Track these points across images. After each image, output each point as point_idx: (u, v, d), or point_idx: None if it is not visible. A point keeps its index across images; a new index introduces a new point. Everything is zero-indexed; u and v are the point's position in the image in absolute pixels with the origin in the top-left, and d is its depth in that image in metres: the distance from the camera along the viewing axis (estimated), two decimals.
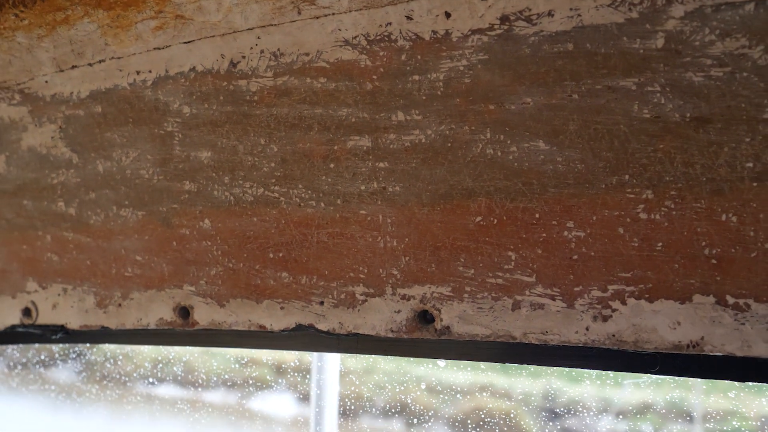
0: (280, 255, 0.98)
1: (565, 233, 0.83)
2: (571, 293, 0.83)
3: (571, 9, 0.79)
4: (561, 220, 0.83)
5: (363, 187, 0.93)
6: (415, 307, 0.91)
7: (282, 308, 0.98)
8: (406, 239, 0.91)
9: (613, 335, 0.81)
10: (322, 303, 0.96)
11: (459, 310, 0.88)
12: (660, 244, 0.78)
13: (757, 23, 0.72)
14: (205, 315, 1.04)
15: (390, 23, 0.87)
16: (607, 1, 0.77)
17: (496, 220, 0.86)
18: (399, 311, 0.92)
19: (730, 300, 0.75)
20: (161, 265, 1.07)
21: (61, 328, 1.17)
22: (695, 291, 0.77)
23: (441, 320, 0.89)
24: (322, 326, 0.96)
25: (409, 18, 0.86)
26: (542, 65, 0.81)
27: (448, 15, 0.84)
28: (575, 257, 0.82)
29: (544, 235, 0.84)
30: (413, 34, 0.87)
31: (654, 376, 0.84)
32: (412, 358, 0.95)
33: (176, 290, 1.06)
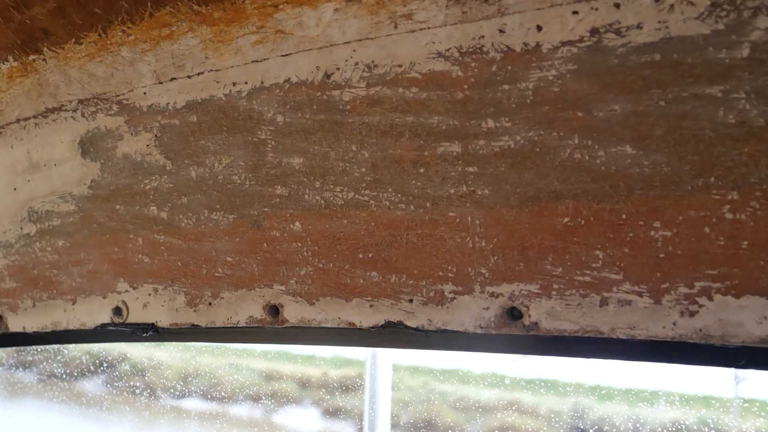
0: (370, 255, 1.03)
1: (652, 233, 0.87)
2: (658, 290, 0.87)
3: (659, 21, 0.84)
4: (647, 220, 0.87)
5: (452, 191, 0.98)
6: (503, 304, 0.95)
7: (371, 306, 1.03)
8: (495, 239, 0.96)
9: (700, 330, 0.85)
10: (411, 301, 1.01)
11: (547, 306, 0.92)
12: (745, 242, 0.82)
13: None
14: (294, 313, 1.09)
15: (483, 36, 0.93)
16: (694, 14, 0.83)
17: (583, 221, 0.91)
18: (487, 308, 0.96)
19: None
20: (251, 265, 1.13)
21: (152, 327, 1.22)
22: None
23: (529, 316, 0.94)
24: (411, 323, 1.01)
25: (501, 31, 0.92)
26: (630, 74, 0.87)
27: (539, 28, 0.90)
28: (662, 255, 0.86)
29: (631, 234, 0.88)
30: (505, 46, 0.93)
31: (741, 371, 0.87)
32: (499, 354, 0.99)
33: (266, 289, 1.12)
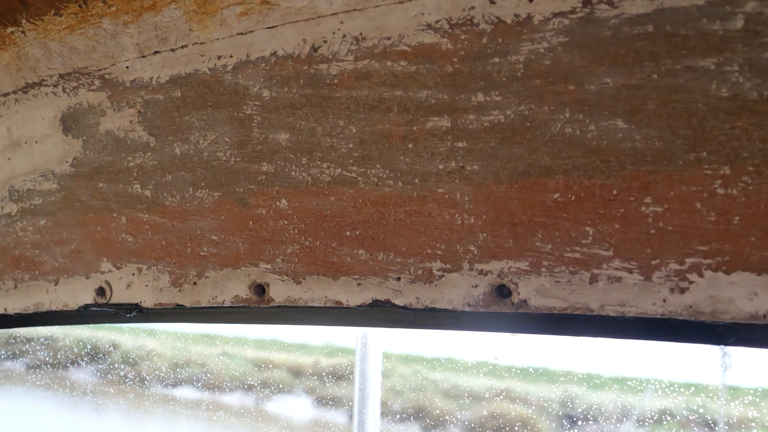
0: (357, 233, 1.02)
1: (643, 208, 0.86)
2: (648, 266, 0.86)
3: None
4: (638, 195, 0.86)
5: (441, 166, 0.96)
6: (492, 281, 0.94)
7: (359, 284, 1.02)
8: (484, 216, 0.94)
9: (690, 306, 0.84)
10: (398, 279, 0.99)
11: (536, 283, 0.91)
12: (737, 218, 0.81)
13: None
14: (281, 292, 1.07)
15: (473, 7, 0.91)
16: None
17: (573, 197, 0.89)
18: (476, 285, 0.95)
19: None
20: (237, 244, 1.11)
21: (136, 307, 1.20)
22: None
23: (518, 294, 0.92)
24: (398, 301, 0.99)
25: (492, 2, 0.90)
26: (622, 46, 0.85)
27: None
28: (652, 231, 0.85)
29: (622, 210, 0.87)
30: (495, 18, 0.90)
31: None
32: (488, 332, 0.98)
33: (252, 268, 1.10)
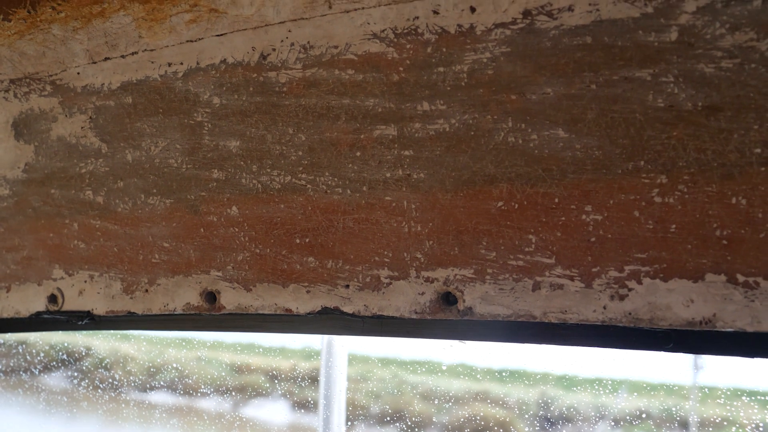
0: (307, 240, 1.02)
1: (584, 216, 0.87)
2: (589, 274, 0.87)
3: (590, 4, 0.84)
4: (579, 204, 0.87)
5: (388, 174, 0.97)
6: (438, 289, 0.95)
7: (308, 292, 1.02)
8: (430, 224, 0.95)
9: (630, 313, 0.85)
10: (347, 286, 1.00)
11: (481, 291, 0.92)
12: (674, 226, 0.83)
13: (764, 17, 0.77)
14: (231, 299, 1.07)
15: (417, 17, 0.92)
16: None
17: (517, 205, 0.90)
18: (423, 293, 0.95)
19: (741, 278, 0.79)
20: (188, 251, 1.11)
21: (87, 314, 1.19)
22: (707, 270, 0.81)
23: (464, 301, 0.93)
24: (347, 309, 0.99)
25: (435, 12, 0.91)
26: (562, 57, 0.86)
27: (473, 10, 0.89)
28: (593, 239, 0.86)
29: (563, 218, 0.88)
30: (439, 28, 0.91)
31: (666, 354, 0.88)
32: (435, 340, 0.99)
33: (203, 275, 1.09)
